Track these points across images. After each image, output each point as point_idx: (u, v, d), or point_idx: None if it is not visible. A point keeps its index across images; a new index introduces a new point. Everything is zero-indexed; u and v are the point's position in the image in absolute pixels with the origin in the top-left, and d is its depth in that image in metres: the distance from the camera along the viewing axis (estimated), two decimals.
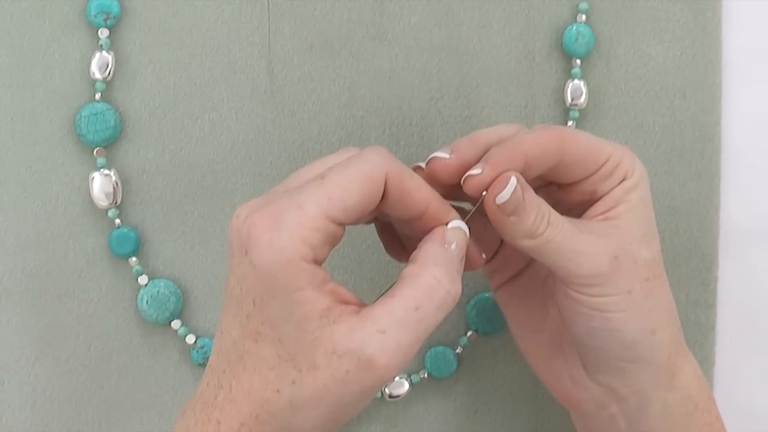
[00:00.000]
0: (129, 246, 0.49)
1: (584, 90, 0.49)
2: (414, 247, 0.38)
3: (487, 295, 0.50)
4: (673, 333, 0.40)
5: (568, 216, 0.39)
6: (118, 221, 0.49)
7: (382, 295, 0.36)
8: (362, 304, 0.37)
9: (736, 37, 0.51)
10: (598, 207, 0.40)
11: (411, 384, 0.50)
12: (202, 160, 0.49)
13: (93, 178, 0.48)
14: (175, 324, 0.49)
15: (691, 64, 0.50)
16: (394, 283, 0.37)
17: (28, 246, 0.49)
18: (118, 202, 0.49)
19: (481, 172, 0.38)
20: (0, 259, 0.49)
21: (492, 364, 0.51)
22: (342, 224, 0.36)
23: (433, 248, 0.37)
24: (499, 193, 0.37)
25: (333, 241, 0.36)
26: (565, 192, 0.41)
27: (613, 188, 0.39)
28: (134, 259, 0.49)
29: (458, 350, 0.50)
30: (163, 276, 0.49)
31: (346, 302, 0.36)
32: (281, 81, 0.49)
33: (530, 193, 0.38)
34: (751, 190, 0.51)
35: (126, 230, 0.49)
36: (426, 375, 0.50)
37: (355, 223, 0.37)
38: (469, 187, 0.38)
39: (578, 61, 0.49)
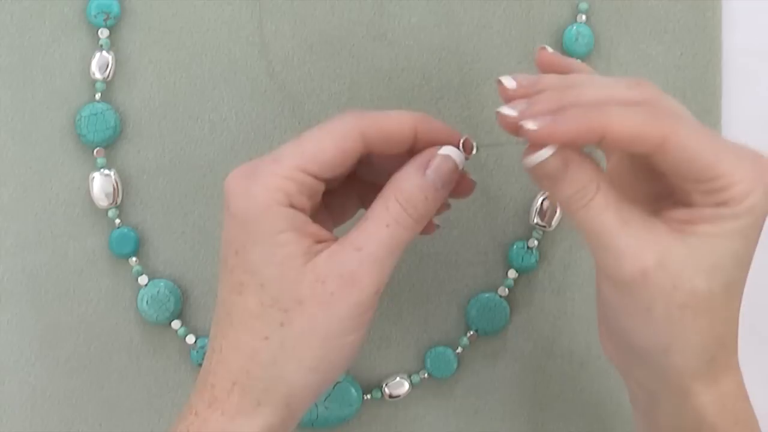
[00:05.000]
0: (129, 246, 0.49)
1: None
2: None
3: (487, 295, 0.50)
4: (696, 362, 0.37)
5: (657, 189, 0.36)
6: (118, 221, 0.49)
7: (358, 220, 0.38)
8: (338, 238, 0.38)
9: (736, 37, 0.51)
10: (680, 214, 0.36)
11: (411, 384, 0.50)
12: (202, 160, 0.49)
13: (93, 178, 0.48)
14: (175, 324, 0.49)
15: (691, 64, 0.50)
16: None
17: (28, 246, 0.49)
18: (118, 202, 0.49)
19: (536, 129, 0.34)
20: (0, 259, 0.49)
21: (492, 364, 0.51)
22: (318, 178, 0.37)
23: (406, 172, 0.38)
24: (528, 156, 0.36)
25: (311, 193, 0.37)
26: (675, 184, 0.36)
27: (707, 206, 0.35)
28: (134, 259, 0.49)
29: (458, 350, 0.50)
30: (163, 276, 0.49)
31: (323, 240, 0.37)
32: (281, 81, 0.49)
33: (576, 170, 0.35)
34: None
35: (126, 230, 0.49)
36: (426, 375, 0.50)
37: (331, 177, 0.37)
38: (507, 126, 0.36)
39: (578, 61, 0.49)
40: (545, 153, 0.35)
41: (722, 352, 0.37)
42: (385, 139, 0.37)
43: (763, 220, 0.36)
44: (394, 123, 0.37)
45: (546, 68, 0.39)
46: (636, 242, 0.35)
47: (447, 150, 0.38)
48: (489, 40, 0.49)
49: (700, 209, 0.35)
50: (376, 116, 0.37)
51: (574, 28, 0.49)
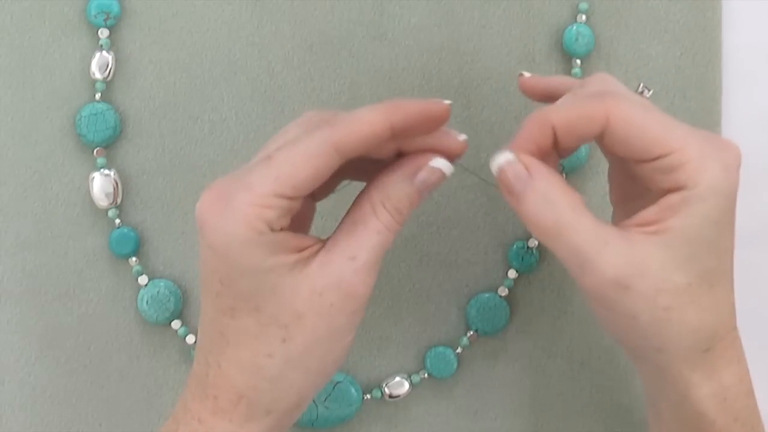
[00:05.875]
0: (129, 246, 0.49)
1: None
2: None
3: (486, 295, 0.50)
4: (691, 355, 0.37)
5: (637, 199, 0.37)
6: (118, 221, 0.49)
7: (342, 220, 0.38)
8: (320, 240, 0.37)
9: (736, 37, 0.51)
10: (650, 213, 0.36)
11: (411, 384, 0.50)
12: (202, 160, 0.49)
13: (93, 178, 0.48)
14: (175, 324, 0.49)
15: (691, 64, 0.50)
16: (354, 204, 0.38)
17: (28, 246, 0.49)
18: (118, 202, 0.49)
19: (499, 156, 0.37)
20: (0, 259, 0.49)
21: (492, 364, 0.51)
22: (294, 198, 0.36)
23: (395, 178, 0.38)
24: (491, 161, 0.37)
25: (291, 213, 0.36)
26: (638, 168, 0.37)
27: (671, 191, 0.35)
28: (134, 259, 0.49)
29: (458, 350, 0.50)
30: (163, 276, 0.49)
31: (306, 247, 0.37)
32: (281, 81, 0.49)
33: (542, 181, 0.36)
34: (751, 190, 0.50)
35: (126, 230, 0.49)
36: (426, 375, 0.50)
37: (309, 192, 0.36)
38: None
39: (578, 61, 0.49)
40: (506, 155, 0.36)
41: (719, 344, 0.37)
42: (362, 146, 0.36)
43: (731, 203, 0.36)
44: (366, 128, 0.36)
45: (529, 93, 0.40)
46: (611, 257, 0.35)
47: (438, 163, 0.38)
48: (489, 40, 0.49)
49: (666, 200, 0.35)
50: (348, 124, 0.36)
51: (574, 28, 0.49)
